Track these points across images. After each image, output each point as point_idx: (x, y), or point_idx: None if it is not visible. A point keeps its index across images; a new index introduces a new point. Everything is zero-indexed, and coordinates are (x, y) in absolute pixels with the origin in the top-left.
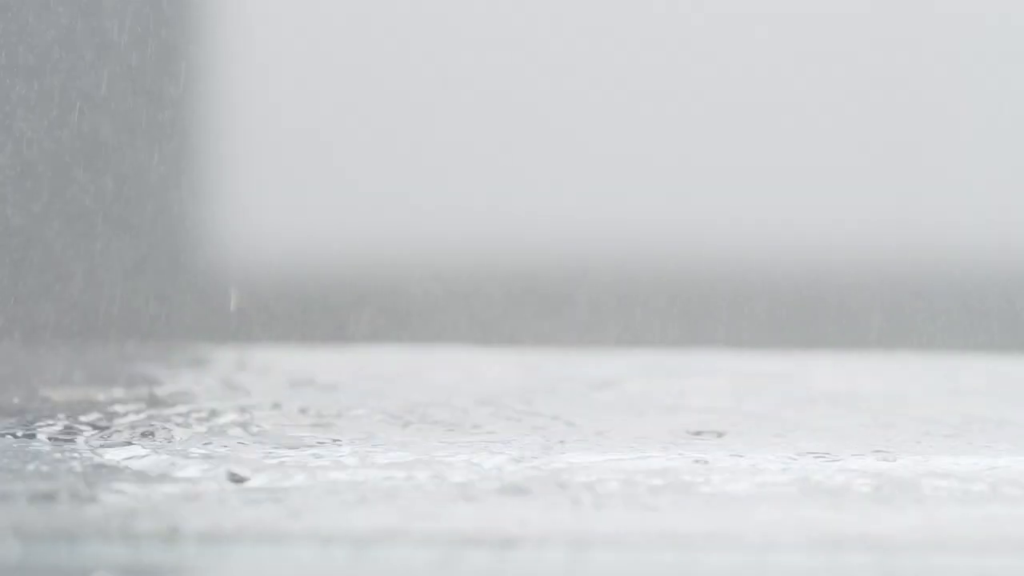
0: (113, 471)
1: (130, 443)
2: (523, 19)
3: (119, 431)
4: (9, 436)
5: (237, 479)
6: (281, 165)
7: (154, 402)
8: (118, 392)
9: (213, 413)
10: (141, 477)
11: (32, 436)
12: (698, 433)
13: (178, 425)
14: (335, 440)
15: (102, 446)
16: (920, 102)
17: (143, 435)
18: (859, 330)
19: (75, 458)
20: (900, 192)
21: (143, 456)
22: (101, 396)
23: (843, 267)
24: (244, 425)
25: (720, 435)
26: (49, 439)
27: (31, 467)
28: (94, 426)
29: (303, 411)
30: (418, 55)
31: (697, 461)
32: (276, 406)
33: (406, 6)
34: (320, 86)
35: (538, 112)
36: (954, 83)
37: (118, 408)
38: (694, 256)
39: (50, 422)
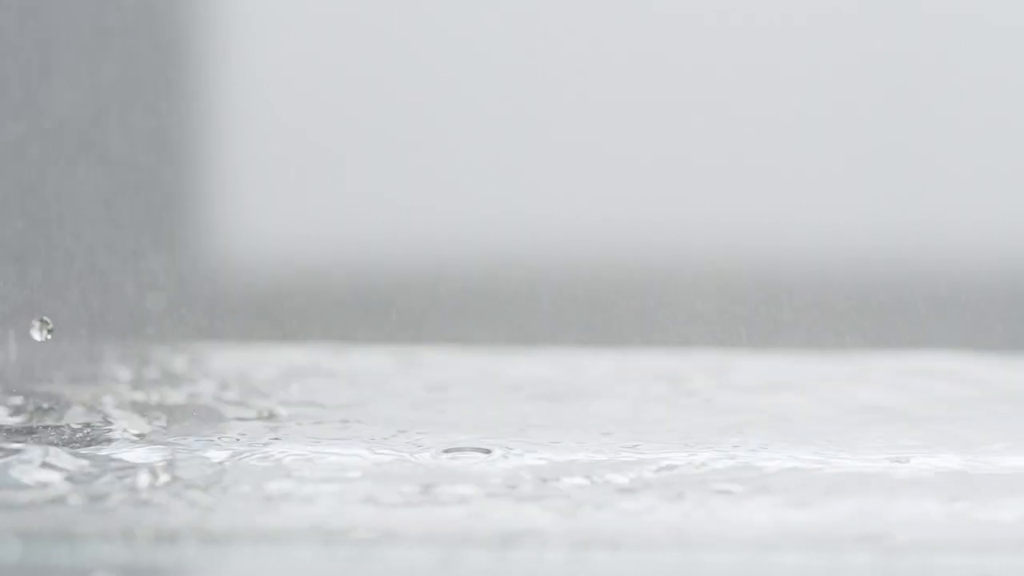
0: (115, 469)
1: (133, 442)
2: (523, 19)
3: (119, 430)
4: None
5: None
6: (281, 165)
7: (154, 401)
8: (116, 391)
9: (214, 413)
10: (142, 475)
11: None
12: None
13: (180, 424)
14: (337, 440)
15: (104, 444)
16: (920, 102)
17: (148, 433)
18: (860, 330)
19: (76, 457)
20: (900, 192)
21: (144, 455)
22: (100, 395)
23: (843, 267)
24: (245, 425)
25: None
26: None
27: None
28: (93, 424)
29: (303, 411)
30: (417, 56)
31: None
32: (277, 405)
33: (407, 6)
34: (320, 86)
35: (539, 112)
36: (954, 83)
37: (117, 407)
38: (695, 256)
39: (49, 422)
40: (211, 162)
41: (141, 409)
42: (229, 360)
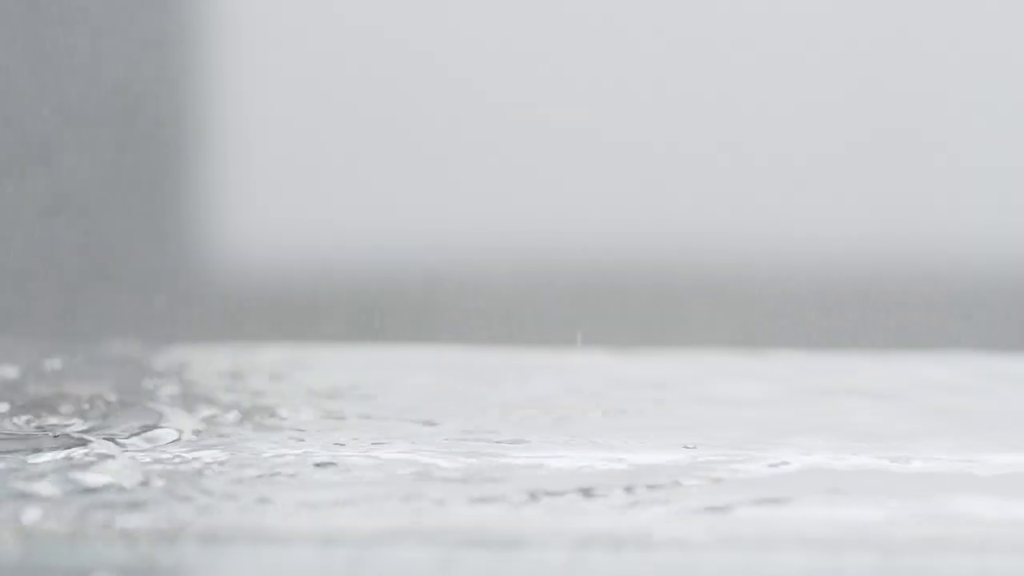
0: (113, 468)
1: (130, 441)
2: (523, 19)
3: (119, 429)
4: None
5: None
6: (280, 165)
7: (152, 401)
8: (116, 391)
9: (211, 413)
10: (140, 475)
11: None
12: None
13: (178, 424)
14: (335, 442)
15: (102, 443)
16: (922, 101)
17: (145, 432)
18: (861, 330)
19: (73, 456)
20: (901, 192)
21: (142, 454)
22: (100, 395)
23: (842, 267)
24: (243, 425)
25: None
26: (53, 437)
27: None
28: (95, 425)
29: (301, 411)
30: (417, 55)
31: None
32: (274, 406)
33: (407, 7)
34: (320, 86)
35: (538, 112)
36: (955, 82)
37: (118, 406)
38: (696, 256)
39: (55, 421)
40: (211, 162)
41: (146, 409)
42: (231, 360)
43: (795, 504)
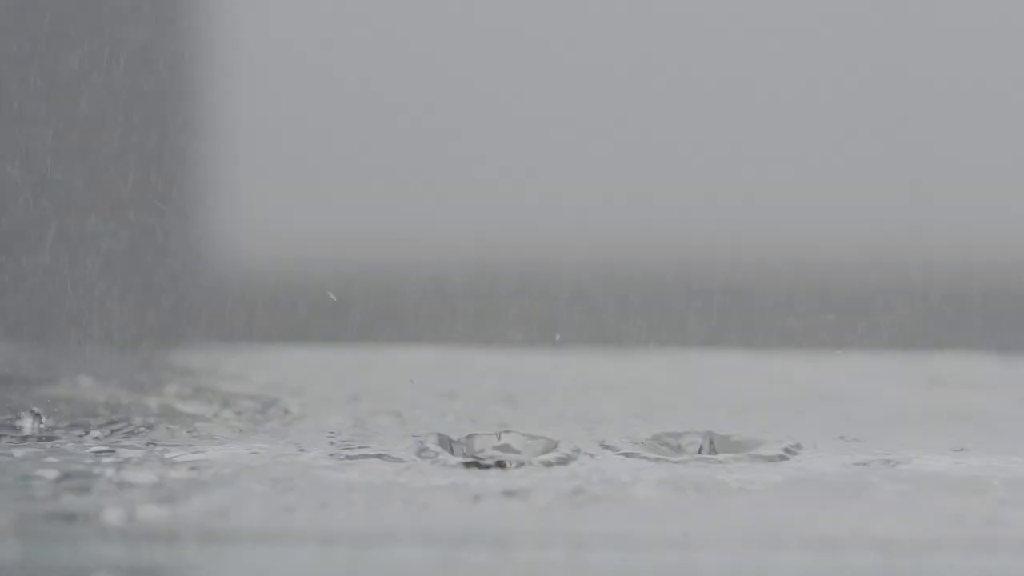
0: (114, 469)
1: (131, 440)
2: (520, 18)
3: (121, 430)
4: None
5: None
6: (280, 165)
7: (152, 400)
8: (118, 391)
9: (209, 413)
10: (141, 476)
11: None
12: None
13: (176, 423)
14: (332, 441)
15: (103, 443)
16: (925, 101)
17: (144, 434)
18: (863, 330)
19: (75, 457)
20: (902, 192)
21: (142, 454)
22: (102, 395)
23: (842, 267)
24: (242, 425)
25: (727, 436)
26: (55, 436)
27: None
28: (98, 425)
29: (298, 411)
30: (416, 55)
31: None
32: (273, 407)
33: (405, 7)
34: (318, 86)
35: (537, 111)
36: (958, 81)
37: (119, 407)
38: (694, 256)
39: (55, 421)
40: (211, 162)
41: (147, 409)
42: (234, 360)
43: None
